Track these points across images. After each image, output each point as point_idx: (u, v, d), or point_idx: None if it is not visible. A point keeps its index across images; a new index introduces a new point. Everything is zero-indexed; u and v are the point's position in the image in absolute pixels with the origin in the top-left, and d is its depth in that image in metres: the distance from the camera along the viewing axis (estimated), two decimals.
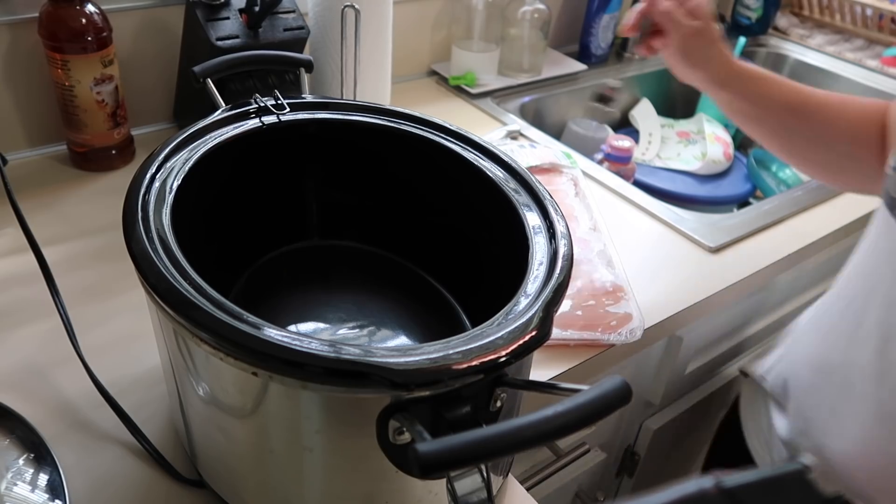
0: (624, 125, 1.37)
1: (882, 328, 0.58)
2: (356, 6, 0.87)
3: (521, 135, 1.05)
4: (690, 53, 0.72)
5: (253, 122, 0.58)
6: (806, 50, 1.48)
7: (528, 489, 0.59)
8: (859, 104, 0.72)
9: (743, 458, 0.76)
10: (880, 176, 0.59)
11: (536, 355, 0.46)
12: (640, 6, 0.74)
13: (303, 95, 0.63)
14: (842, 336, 0.64)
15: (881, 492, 0.59)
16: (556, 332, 0.69)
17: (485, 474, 0.38)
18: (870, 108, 0.71)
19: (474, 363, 0.39)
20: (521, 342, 0.41)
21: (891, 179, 0.56)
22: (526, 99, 1.20)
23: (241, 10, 0.85)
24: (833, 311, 0.67)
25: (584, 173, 0.99)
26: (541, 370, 0.67)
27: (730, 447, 0.82)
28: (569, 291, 0.73)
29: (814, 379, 0.68)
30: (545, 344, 0.69)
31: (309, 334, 0.40)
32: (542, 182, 0.57)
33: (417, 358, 0.38)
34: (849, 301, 0.64)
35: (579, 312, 0.72)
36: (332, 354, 0.38)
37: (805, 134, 0.73)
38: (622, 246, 0.84)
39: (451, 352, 0.39)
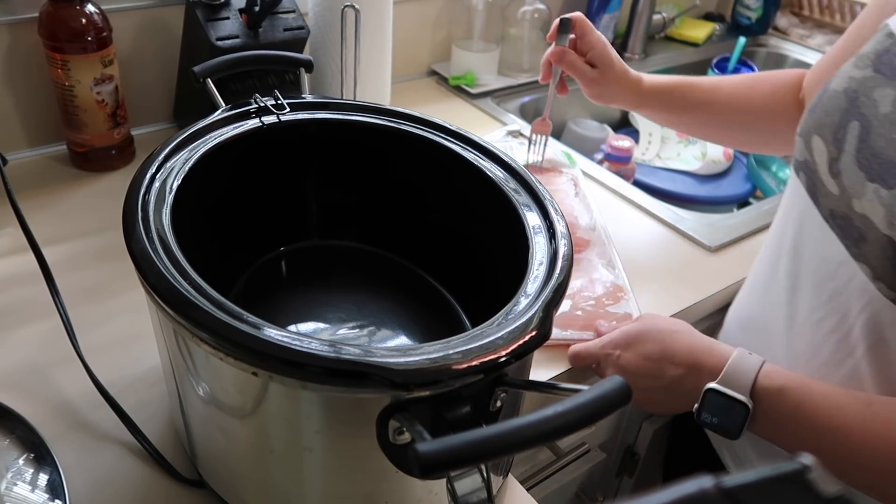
0: (624, 125, 1.37)
1: (790, 277, 0.62)
2: (356, 6, 0.87)
3: (522, 134, 1.05)
4: (600, 95, 0.83)
5: (253, 122, 0.58)
6: (806, 50, 1.48)
7: (528, 489, 0.59)
8: (770, 83, 0.79)
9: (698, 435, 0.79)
10: None
11: (536, 355, 0.46)
12: (547, 54, 0.83)
13: (303, 95, 0.63)
14: (760, 288, 0.68)
15: None
16: (556, 332, 0.69)
17: (485, 474, 0.38)
18: (782, 84, 0.78)
19: (474, 363, 0.39)
20: (521, 342, 0.41)
21: (797, 144, 0.60)
22: (526, 99, 1.20)
23: (241, 10, 0.85)
24: (756, 268, 0.71)
25: (584, 173, 0.99)
26: (541, 370, 0.67)
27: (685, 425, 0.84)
28: (569, 291, 0.74)
29: (739, 333, 0.72)
30: (545, 344, 0.69)
31: (309, 334, 0.40)
32: (542, 182, 0.57)
33: (417, 358, 0.38)
34: (766, 256, 0.68)
35: (579, 312, 0.72)
36: (332, 354, 0.38)
37: (722, 124, 0.84)
38: (622, 246, 0.84)
39: (451, 352, 0.39)
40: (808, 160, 0.58)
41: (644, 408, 0.65)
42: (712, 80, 0.84)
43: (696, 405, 0.57)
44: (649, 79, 0.83)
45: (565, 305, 0.72)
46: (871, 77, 0.53)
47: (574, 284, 0.75)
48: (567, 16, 0.81)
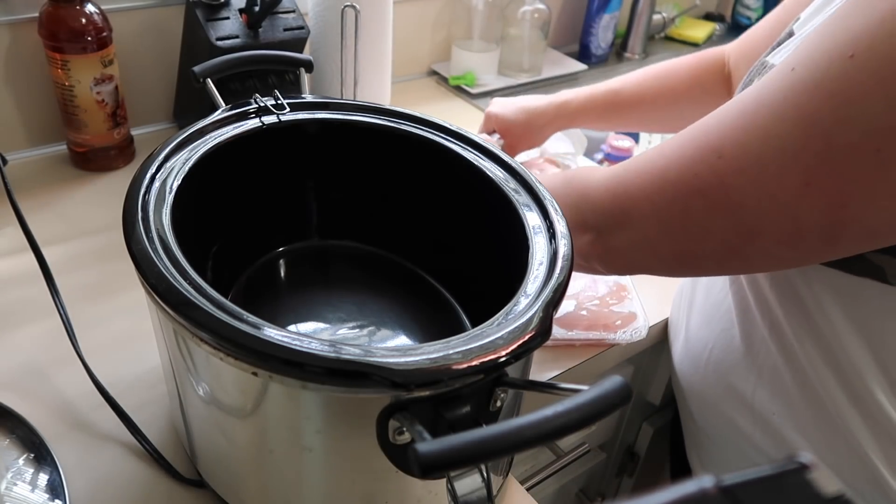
0: None
1: None
2: (356, 6, 0.87)
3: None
4: (530, 143, 0.91)
5: (253, 122, 0.58)
6: None
7: (528, 489, 0.59)
8: (687, 69, 0.82)
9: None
10: None
11: (537, 355, 0.46)
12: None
13: (303, 95, 0.63)
14: None
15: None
16: (561, 333, 0.69)
17: (485, 474, 0.38)
18: (701, 66, 0.81)
19: (474, 363, 0.39)
20: (521, 342, 0.41)
21: None
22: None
23: (241, 10, 0.85)
24: None
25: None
26: (541, 370, 0.67)
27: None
28: (572, 291, 0.74)
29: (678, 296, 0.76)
30: (550, 345, 0.69)
31: (309, 334, 0.40)
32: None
33: (417, 358, 0.38)
34: None
35: (584, 312, 0.72)
36: (332, 354, 0.38)
37: (656, 119, 0.87)
38: None
39: (451, 352, 0.39)
40: None
41: None
42: (634, 80, 0.87)
43: None
44: (573, 98, 0.87)
45: (569, 305, 0.73)
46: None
47: (577, 284, 0.75)
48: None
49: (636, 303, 0.74)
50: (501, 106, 0.89)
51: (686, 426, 0.74)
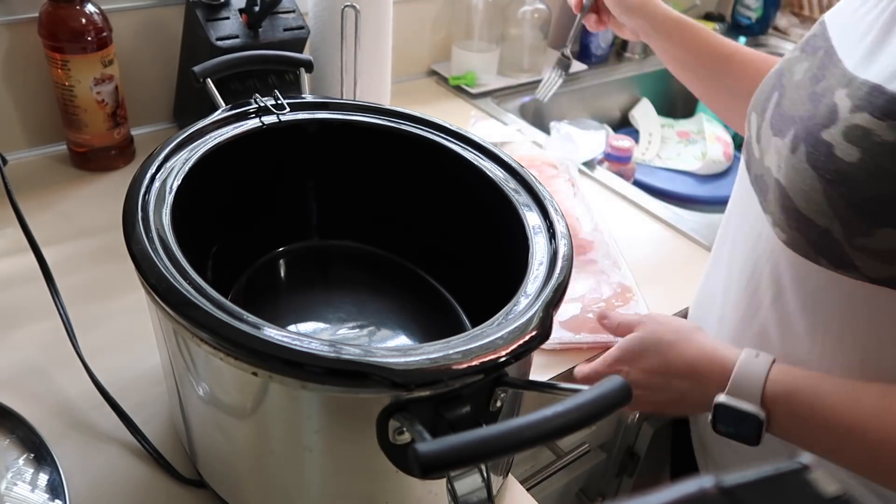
0: (624, 125, 1.37)
1: (729, 245, 0.65)
2: (356, 6, 0.87)
3: (521, 134, 1.05)
4: (626, 2, 0.81)
5: (253, 122, 0.58)
6: None
7: (528, 489, 0.59)
8: (772, 62, 0.78)
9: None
10: None
11: (536, 355, 0.46)
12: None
13: (303, 95, 0.63)
14: (711, 259, 0.71)
15: None
16: (569, 336, 0.69)
17: (485, 474, 0.38)
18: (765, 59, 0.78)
19: (474, 363, 0.39)
20: (521, 342, 0.41)
21: (745, 126, 0.64)
22: (526, 99, 1.20)
23: (241, 10, 0.85)
24: (714, 245, 0.72)
25: (585, 173, 0.99)
26: (541, 370, 0.67)
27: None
28: (578, 293, 0.74)
29: (695, 308, 0.75)
30: (558, 348, 0.69)
31: (309, 334, 0.40)
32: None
33: (417, 358, 0.38)
34: (719, 232, 0.70)
35: (590, 315, 0.72)
36: (332, 354, 0.38)
37: (729, 84, 0.79)
38: (622, 246, 0.84)
39: (451, 352, 0.39)
40: (748, 137, 0.62)
41: (665, 415, 0.64)
42: (733, 41, 0.82)
43: (710, 416, 0.57)
44: (674, 11, 0.82)
45: (575, 308, 0.73)
46: (796, 56, 0.58)
47: (582, 286, 0.75)
48: None
49: (641, 304, 0.74)
50: None
51: (696, 425, 0.75)
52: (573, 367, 0.68)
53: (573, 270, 0.76)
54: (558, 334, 0.69)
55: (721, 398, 0.55)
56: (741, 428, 0.55)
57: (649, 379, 0.61)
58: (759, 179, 0.58)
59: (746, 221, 0.61)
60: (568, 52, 0.95)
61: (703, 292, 0.73)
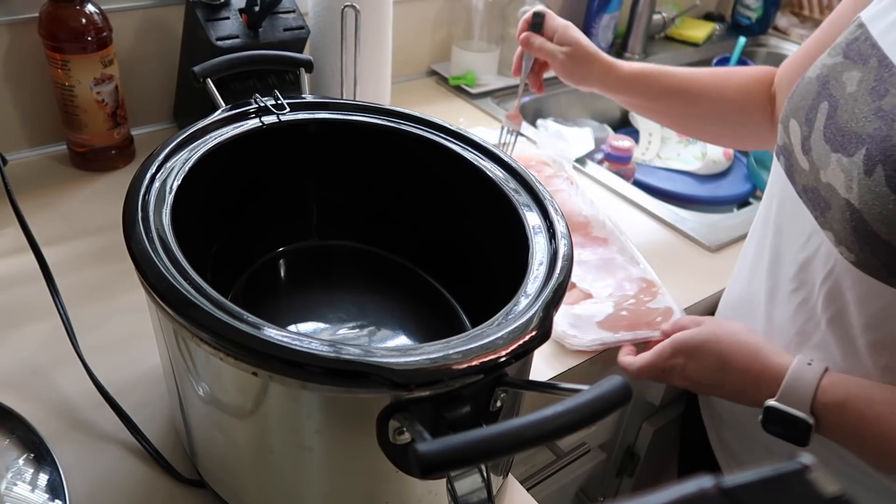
0: (624, 125, 1.37)
1: (772, 253, 0.65)
2: (356, 6, 0.87)
3: (522, 134, 1.05)
4: (571, 74, 0.85)
5: (253, 122, 0.58)
6: None
7: (528, 489, 0.59)
8: (742, 77, 0.81)
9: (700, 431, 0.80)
10: (774, 133, 0.65)
11: (536, 355, 0.46)
12: (518, 51, 0.88)
13: (303, 95, 0.63)
14: (748, 268, 0.70)
15: None
16: (609, 336, 0.70)
17: (485, 474, 0.38)
18: (753, 78, 0.80)
19: (474, 363, 0.39)
20: (521, 342, 0.41)
21: (778, 130, 0.63)
22: (526, 99, 1.20)
23: (241, 10, 0.85)
24: (745, 251, 0.73)
25: (579, 170, 0.99)
26: (541, 370, 0.67)
27: (691, 423, 0.85)
28: (606, 292, 0.74)
29: (729, 313, 0.74)
30: (600, 349, 0.69)
31: (309, 334, 0.40)
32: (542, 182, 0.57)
33: (417, 358, 0.38)
34: (753, 238, 0.70)
35: (624, 313, 0.72)
36: (332, 354, 0.38)
37: (696, 113, 0.84)
38: None
39: (451, 352, 0.39)
40: (786, 143, 0.61)
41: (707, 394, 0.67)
42: (686, 70, 0.85)
43: (760, 417, 0.58)
44: (625, 63, 0.85)
45: (608, 308, 0.73)
46: (841, 63, 0.57)
47: (608, 285, 0.76)
48: (536, 8, 0.84)
49: (668, 297, 0.74)
50: (558, 20, 0.86)
51: (711, 415, 0.75)
52: (573, 367, 0.68)
53: (595, 270, 0.77)
54: (599, 335, 0.70)
55: (771, 402, 0.57)
56: (790, 430, 0.56)
57: (703, 375, 0.63)
58: (813, 193, 0.57)
59: (796, 233, 0.61)
60: (516, 111, 0.94)
61: (739, 298, 0.72)
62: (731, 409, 0.73)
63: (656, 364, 0.65)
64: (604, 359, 0.70)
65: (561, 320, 0.71)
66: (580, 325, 0.71)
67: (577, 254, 0.79)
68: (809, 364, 0.57)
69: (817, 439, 0.57)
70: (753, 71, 0.83)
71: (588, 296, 0.75)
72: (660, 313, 0.72)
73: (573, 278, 0.76)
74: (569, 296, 0.75)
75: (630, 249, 0.81)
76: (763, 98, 0.79)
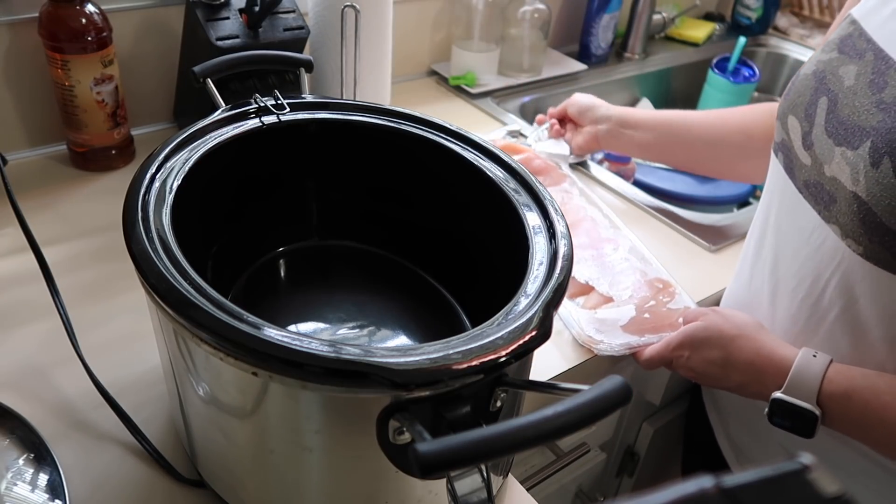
0: None
1: (772, 251, 0.65)
2: (356, 6, 0.87)
3: (521, 134, 1.05)
4: (587, 147, 0.97)
5: (253, 122, 0.58)
6: (806, 50, 1.48)
7: (528, 489, 0.59)
8: (739, 115, 0.85)
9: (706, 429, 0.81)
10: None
11: (536, 355, 0.46)
12: (553, 113, 1.01)
13: (303, 95, 0.63)
14: (748, 266, 0.71)
15: None
16: (635, 339, 0.70)
17: (485, 474, 0.38)
18: (751, 115, 0.84)
19: (474, 363, 0.39)
20: (521, 342, 0.41)
21: (776, 127, 0.64)
22: (526, 99, 1.20)
23: (241, 10, 0.85)
24: (745, 250, 0.73)
25: (578, 169, 0.99)
26: (541, 370, 0.67)
27: (696, 420, 0.85)
28: (626, 295, 0.75)
29: None
30: (626, 352, 0.69)
31: (309, 334, 0.40)
32: (543, 183, 0.57)
33: (417, 358, 0.38)
34: (752, 237, 0.71)
35: (647, 315, 0.72)
36: (332, 354, 0.38)
37: (694, 154, 0.90)
38: None
39: (451, 352, 0.39)
40: (784, 140, 0.62)
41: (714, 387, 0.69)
42: (684, 113, 0.91)
43: (766, 409, 0.59)
44: (631, 112, 0.93)
45: (630, 311, 0.73)
46: (837, 58, 0.58)
47: (625, 287, 0.76)
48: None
49: (685, 296, 0.74)
50: (582, 96, 0.98)
51: (716, 411, 0.75)
52: (573, 367, 0.68)
53: (611, 273, 0.77)
54: (625, 339, 0.70)
55: (778, 394, 0.57)
56: (796, 422, 0.57)
57: (708, 368, 0.63)
58: (816, 188, 0.57)
59: (798, 229, 0.61)
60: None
61: (741, 298, 0.72)
62: (736, 404, 0.73)
63: (664, 355, 0.66)
64: (604, 359, 0.70)
65: (586, 325, 0.71)
66: (606, 330, 0.71)
67: (589, 255, 0.79)
68: (815, 356, 0.57)
69: (825, 431, 0.57)
70: (752, 108, 0.85)
71: (609, 300, 0.75)
72: (680, 314, 0.72)
73: (589, 281, 0.77)
74: (589, 300, 0.75)
75: (639, 249, 0.81)
76: (761, 133, 0.81)
